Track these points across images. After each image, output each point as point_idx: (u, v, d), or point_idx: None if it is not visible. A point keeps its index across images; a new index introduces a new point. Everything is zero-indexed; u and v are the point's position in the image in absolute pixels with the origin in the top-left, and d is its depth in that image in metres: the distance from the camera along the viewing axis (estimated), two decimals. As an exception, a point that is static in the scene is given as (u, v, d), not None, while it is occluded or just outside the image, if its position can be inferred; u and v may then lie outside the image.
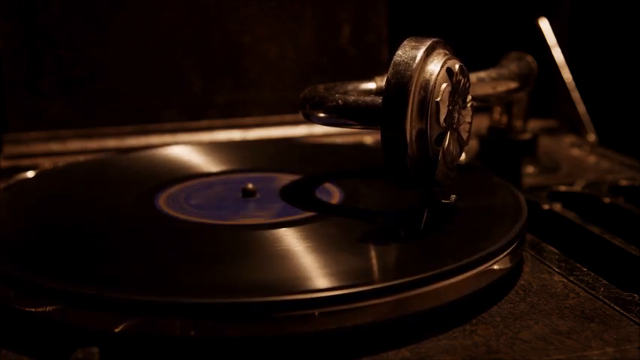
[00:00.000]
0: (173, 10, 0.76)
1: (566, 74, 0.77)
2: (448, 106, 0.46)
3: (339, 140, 0.76)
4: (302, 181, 0.57)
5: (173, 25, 0.76)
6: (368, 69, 0.59)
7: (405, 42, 0.46)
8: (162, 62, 0.77)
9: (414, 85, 0.44)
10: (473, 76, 0.55)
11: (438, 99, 0.45)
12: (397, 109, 0.44)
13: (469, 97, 0.48)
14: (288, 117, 0.79)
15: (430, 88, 0.44)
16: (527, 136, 0.68)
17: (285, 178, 0.57)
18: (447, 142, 0.46)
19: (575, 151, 0.77)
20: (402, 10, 0.81)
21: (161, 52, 0.76)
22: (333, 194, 0.53)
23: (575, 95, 0.77)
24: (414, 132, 0.44)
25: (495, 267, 0.44)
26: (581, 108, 0.77)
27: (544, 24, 0.78)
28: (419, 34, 0.47)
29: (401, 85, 0.44)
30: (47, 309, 0.40)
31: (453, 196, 0.47)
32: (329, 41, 0.80)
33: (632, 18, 0.86)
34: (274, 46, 0.79)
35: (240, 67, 0.79)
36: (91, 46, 0.75)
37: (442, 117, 0.45)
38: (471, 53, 0.54)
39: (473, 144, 0.68)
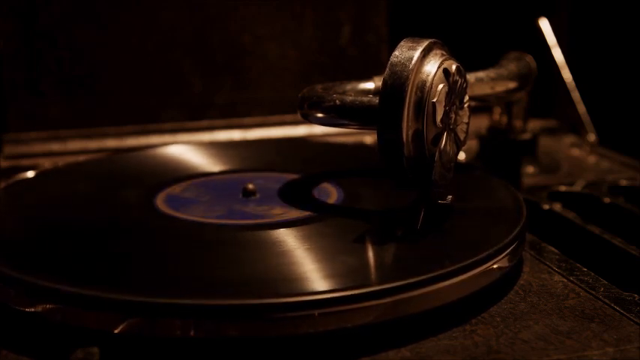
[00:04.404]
0: (173, 10, 0.76)
1: (566, 74, 0.77)
2: (445, 106, 0.46)
3: (339, 140, 0.76)
4: (301, 181, 0.57)
5: (173, 26, 0.77)
6: (368, 69, 0.59)
7: (402, 42, 0.46)
8: (162, 62, 0.77)
9: (410, 86, 0.44)
10: (471, 76, 0.55)
11: (435, 100, 0.45)
12: (393, 109, 0.44)
13: (466, 98, 0.48)
14: (288, 117, 0.79)
15: (427, 89, 0.45)
16: (527, 136, 0.68)
17: (285, 178, 0.57)
18: (443, 143, 0.46)
19: (575, 151, 0.77)
20: (402, 10, 0.81)
21: (161, 52, 0.77)
22: (333, 194, 0.53)
23: (575, 95, 0.77)
24: (410, 132, 0.44)
25: (495, 267, 0.44)
26: (581, 108, 0.77)
27: (544, 24, 0.78)
28: (419, 34, 0.47)
29: (397, 85, 0.44)
30: (47, 309, 0.40)
31: (450, 197, 0.47)
32: (329, 41, 0.80)
33: (632, 18, 0.86)
34: (274, 46, 0.79)
35: (240, 67, 0.79)
36: (91, 46, 0.75)
37: (438, 117, 0.45)
38: (471, 53, 0.54)
39: (472, 144, 0.68)
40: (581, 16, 0.84)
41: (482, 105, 0.64)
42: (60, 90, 0.75)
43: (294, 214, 0.50)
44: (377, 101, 0.45)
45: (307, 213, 0.50)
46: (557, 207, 0.61)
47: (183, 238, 0.47)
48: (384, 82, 0.44)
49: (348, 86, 0.55)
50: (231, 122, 0.79)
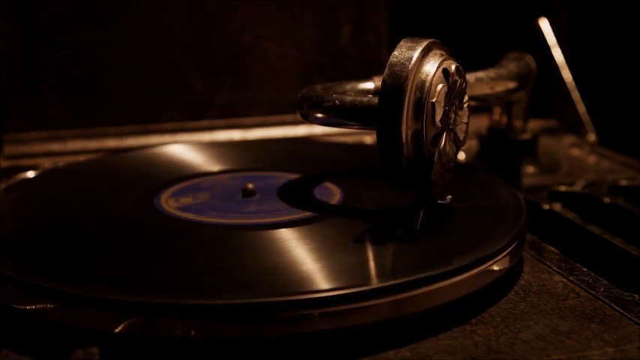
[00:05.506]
0: (173, 10, 0.76)
1: (566, 74, 0.77)
2: (444, 106, 0.46)
3: (339, 140, 0.76)
4: (301, 181, 0.57)
5: (173, 26, 0.77)
6: (368, 69, 0.59)
7: (402, 42, 0.46)
8: (162, 62, 0.77)
9: (409, 86, 0.44)
10: (471, 77, 0.55)
11: (434, 100, 0.45)
12: (393, 109, 0.44)
13: (466, 98, 0.48)
14: (288, 117, 0.79)
15: (426, 89, 0.45)
16: (527, 136, 0.68)
17: (285, 178, 0.57)
18: (442, 143, 0.46)
19: (575, 151, 0.77)
20: (402, 10, 0.81)
21: (161, 52, 0.77)
22: (333, 194, 0.53)
23: (575, 95, 0.77)
24: (409, 132, 0.44)
25: (495, 267, 0.44)
26: (581, 108, 0.77)
27: (544, 24, 0.78)
28: (418, 34, 0.47)
29: (397, 85, 0.44)
30: (47, 309, 0.40)
31: (449, 197, 0.47)
32: (329, 41, 0.80)
33: (632, 18, 0.86)
34: (274, 46, 0.79)
35: (240, 67, 0.79)
36: (91, 46, 0.75)
37: (438, 117, 0.45)
38: (471, 53, 0.54)
39: (472, 144, 0.68)
40: (581, 16, 0.84)
41: (482, 105, 0.64)
42: (60, 90, 0.75)
43: (294, 214, 0.50)
44: (376, 101, 0.45)
45: (307, 213, 0.50)
46: (557, 207, 0.61)
47: (184, 238, 0.47)
48: (384, 82, 0.44)
49: (348, 86, 0.55)
50: (231, 122, 0.79)
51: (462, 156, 0.69)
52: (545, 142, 0.76)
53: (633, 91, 0.86)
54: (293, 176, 0.58)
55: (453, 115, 0.47)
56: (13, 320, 0.42)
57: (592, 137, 0.76)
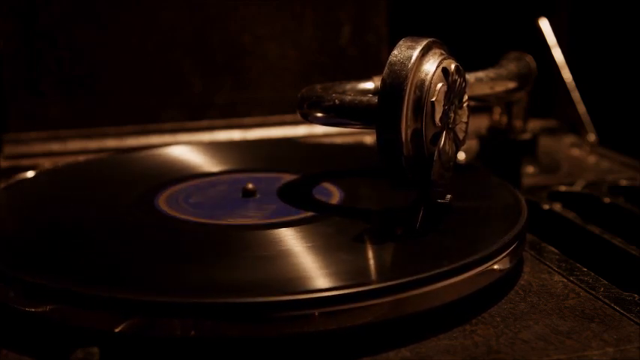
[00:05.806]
0: (173, 10, 0.76)
1: (566, 74, 0.77)
2: (444, 105, 0.46)
3: (339, 140, 0.76)
4: (301, 181, 0.57)
5: (173, 26, 0.77)
6: (368, 69, 0.59)
7: (401, 42, 0.46)
8: (162, 62, 0.77)
9: (409, 85, 0.44)
10: (471, 76, 0.55)
11: (434, 99, 0.45)
12: (392, 108, 0.44)
13: (465, 97, 0.48)
14: (288, 117, 0.79)
15: (425, 88, 0.45)
16: (527, 136, 0.68)
17: (285, 178, 0.57)
18: (442, 142, 0.46)
19: (575, 151, 0.77)
20: (402, 10, 0.81)
21: (161, 52, 0.77)
22: (333, 194, 0.53)
23: (575, 95, 0.77)
24: (409, 132, 0.44)
25: (495, 267, 0.44)
26: (581, 108, 0.77)
27: (544, 24, 0.78)
28: (418, 34, 0.47)
29: (396, 84, 0.44)
30: (47, 309, 0.40)
31: (449, 196, 0.47)
32: (329, 41, 0.80)
33: (632, 18, 0.86)
34: (274, 46, 0.79)
35: (240, 67, 0.79)
36: (91, 46, 0.75)
37: (437, 117, 0.45)
38: (471, 53, 0.54)
39: (472, 144, 0.68)
40: (581, 16, 0.84)
41: (482, 105, 0.64)
42: (60, 90, 0.75)
43: (294, 214, 0.50)
44: (376, 101, 0.45)
45: (307, 213, 0.50)
46: (557, 207, 0.61)
47: (183, 238, 0.47)
48: (383, 82, 0.44)
49: (348, 86, 0.55)
50: (231, 122, 0.79)
51: (462, 156, 0.69)
52: (545, 142, 0.76)
53: (633, 91, 0.86)
54: (293, 176, 0.58)
55: (452, 115, 0.47)
56: (12, 320, 0.42)
57: (592, 137, 0.76)
